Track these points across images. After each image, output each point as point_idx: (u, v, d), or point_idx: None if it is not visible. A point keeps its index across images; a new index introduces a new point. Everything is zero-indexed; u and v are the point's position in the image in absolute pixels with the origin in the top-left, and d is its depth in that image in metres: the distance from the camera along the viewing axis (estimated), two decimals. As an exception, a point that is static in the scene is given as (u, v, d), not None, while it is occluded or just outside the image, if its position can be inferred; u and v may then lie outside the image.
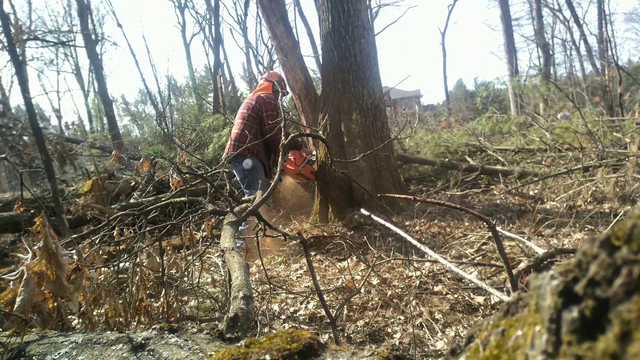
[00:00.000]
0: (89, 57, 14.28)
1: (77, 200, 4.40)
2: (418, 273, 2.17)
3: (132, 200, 4.51)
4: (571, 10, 17.59)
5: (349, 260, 2.68)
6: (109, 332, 0.86)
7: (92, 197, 4.33)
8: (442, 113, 13.03)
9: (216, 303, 2.10)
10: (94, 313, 1.66)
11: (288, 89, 4.09)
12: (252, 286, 1.65)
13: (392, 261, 2.38)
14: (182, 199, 2.33)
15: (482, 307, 1.78)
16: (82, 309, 1.56)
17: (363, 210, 1.84)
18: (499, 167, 4.44)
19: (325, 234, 3.23)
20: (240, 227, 2.79)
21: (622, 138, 4.31)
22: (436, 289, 2.01)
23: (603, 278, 0.23)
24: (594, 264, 0.25)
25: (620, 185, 3.16)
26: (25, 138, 6.48)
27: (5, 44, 3.35)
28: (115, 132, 12.49)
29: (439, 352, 1.49)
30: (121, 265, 1.98)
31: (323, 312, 1.89)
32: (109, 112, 13.07)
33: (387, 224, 1.64)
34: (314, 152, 3.78)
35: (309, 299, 2.10)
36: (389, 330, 1.71)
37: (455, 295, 1.90)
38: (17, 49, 3.95)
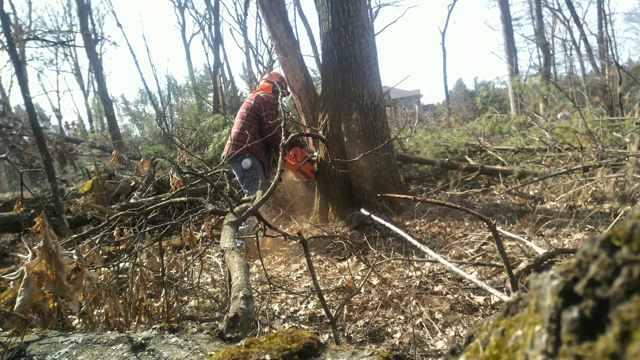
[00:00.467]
0: (89, 57, 14.29)
1: (77, 200, 4.40)
2: (418, 273, 2.17)
3: (132, 200, 4.51)
4: (571, 10, 17.60)
5: (349, 260, 2.68)
6: (109, 332, 0.86)
7: (92, 197, 4.33)
8: (442, 113, 13.05)
9: (216, 303, 2.10)
10: (94, 313, 1.66)
11: (289, 89, 4.09)
12: (252, 286, 1.65)
13: (392, 261, 2.38)
14: (182, 198, 2.33)
15: (482, 307, 1.78)
16: (82, 308, 1.56)
17: (363, 210, 1.83)
18: (498, 167, 4.44)
19: (325, 233, 3.23)
20: (240, 227, 2.79)
21: (622, 138, 4.30)
22: (436, 289, 2.01)
23: (603, 278, 0.23)
24: (594, 264, 0.25)
25: (620, 185, 3.16)
26: (25, 138, 6.49)
27: (5, 43, 3.35)
28: (116, 132, 12.50)
29: (439, 352, 1.49)
30: (121, 265, 1.99)
31: (323, 312, 1.89)
32: (109, 111, 13.09)
33: (387, 224, 1.64)
34: (315, 153, 3.78)
35: (309, 299, 2.10)
36: (389, 330, 1.71)
37: (455, 295, 1.90)
38: (17, 49, 3.95)
